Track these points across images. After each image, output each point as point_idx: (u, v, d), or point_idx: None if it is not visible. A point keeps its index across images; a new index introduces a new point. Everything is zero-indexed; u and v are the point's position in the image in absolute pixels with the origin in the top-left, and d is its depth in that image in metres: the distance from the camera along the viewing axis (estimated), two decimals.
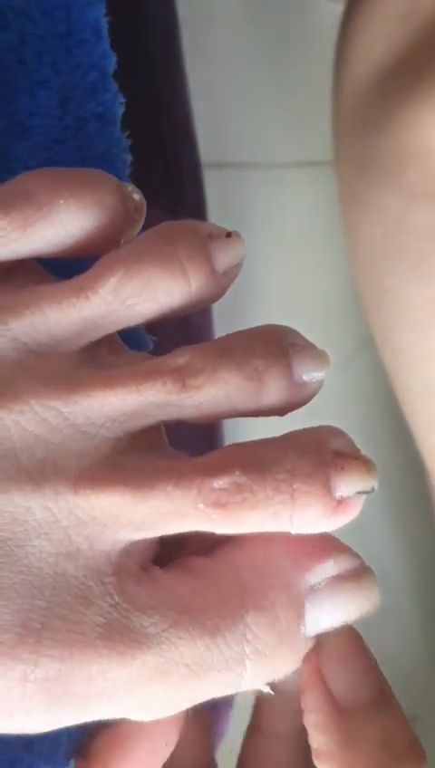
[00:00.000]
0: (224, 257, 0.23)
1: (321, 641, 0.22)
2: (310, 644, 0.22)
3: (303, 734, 0.24)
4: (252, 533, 0.22)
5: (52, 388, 0.22)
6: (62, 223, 0.23)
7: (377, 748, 0.21)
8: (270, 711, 0.26)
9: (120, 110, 0.30)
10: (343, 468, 0.22)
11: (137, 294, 0.23)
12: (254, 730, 0.26)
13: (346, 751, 0.21)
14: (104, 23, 0.30)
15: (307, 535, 0.22)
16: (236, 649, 0.21)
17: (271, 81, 0.63)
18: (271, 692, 0.22)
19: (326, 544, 0.23)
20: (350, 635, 0.22)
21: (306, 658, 0.22)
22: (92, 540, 0.21)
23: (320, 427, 0.23)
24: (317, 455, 0.22)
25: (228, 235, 0.24)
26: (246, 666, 0.21)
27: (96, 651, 0.21)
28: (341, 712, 0.22)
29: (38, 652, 0.20)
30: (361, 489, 0.22)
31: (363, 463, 0.22)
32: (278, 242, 0.63)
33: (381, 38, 0.44)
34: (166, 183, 0.35)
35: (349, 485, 0.22)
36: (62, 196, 0.23)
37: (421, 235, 0.43)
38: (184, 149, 0.42)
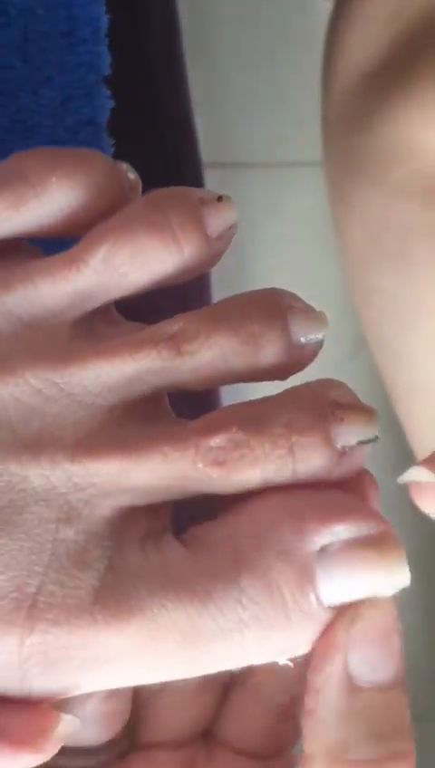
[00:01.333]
0: (216, 221, 0.23)
1: (357, 613, 0.21)
2: (329, 614, 0.21)
3: (280, 695, 0.24)
4: (255, 498, 0.22)
5: (46, 361, 0.22)
6: (55, 201, 0.23)
7: (373, 726, 0.21)
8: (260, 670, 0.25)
9: (107, 115, 0.30)
10: (342, 419, 0.21)
11: (129, 263, 0.22)
12: (237, 683, 0.25)
13: (343, 724, 0.21)
14: (104, 22, 0.30)
15: (318, 496, 0.22)
16: (231, 616, 0.20)
17: (271, 81, 0.63)
18: (289, 664, 0.21)
19: (340, 504, 0.22)
20: (387, 613, 0.21)
21: (330, 629, 0.21)
22: (93, 505, 0.21)
23: (318, 380, 0.23)
24: (315, 407, 0.22)
25: (219, 198, 0.23)
26: (244, 635, 0.20)
27: (91, 616, 0.20)
28: (352, 689, 0.21)
29: (33, 617, 0.20)
30: (362, 438, 0.22)
31: (364, 411, 0.22)
32: (278, 242, 0.63)
33: (368, 38, 0.45)
34: (166, 183, 0.35)
35: (350, 435, 0.21)
36: (54, 174, 0.23)
37: (405, 233, 0.43)
38: (184, 149, 0.42)
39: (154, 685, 0.24)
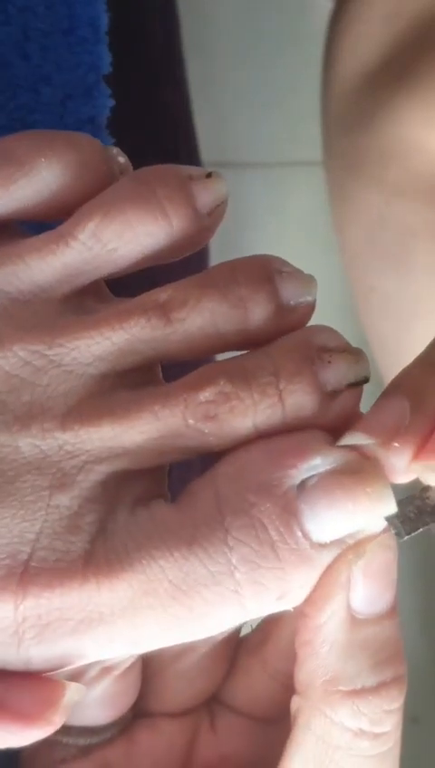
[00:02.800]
0: (205, 196, 0.23)
1: (360, 551, 0.21)
2: (325, 552, 0.21)
3: (286, 665, 0.24)
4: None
5: (35, 334, 0.22)
6: (44, 180, 0.23)
7: (368, 655, 0.21)
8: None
9: (107, 114, 0.30)
10: (329, 362, 0.21)
11: (117, 237, 0.22)
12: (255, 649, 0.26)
13: (344, 657, 0.21)
14: (104, 21, 0.30)
15: (297, 433, 0.21)
16: (219, 558, 0.20)
17: (271, 81, 0.63)
18: (290, 609, 0.21)
19: (316, 438, 0.21)
20: (389, 548, 0.21)
21: (332, 567, 0.21)
22: (87, 471, 0.21)
23: (304, 328, 0.23)
24: (301, 352, 0.22)
25: (209, 175, 0.23)
26: (236, 579, 0.20)
27: (84, 577, 0.21)
28: (353, 623, 0.21)
29: (26, 582, 0.20)
30: (352, 380, 0.22)
31: (352, 354, 0.22)
32: (278, 241, 0.63)
33: (367, 38, 0.45)
34: None
35: (338, 378, 0.21)
36: (44, 155, 0.23)
37: (403, 232, 0.43)
38: (184, 149, 0.42)
39: (164, 656, 0.24)
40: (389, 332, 0.44)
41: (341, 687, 0.21)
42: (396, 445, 0.21)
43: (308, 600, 0.21)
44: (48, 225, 0.24)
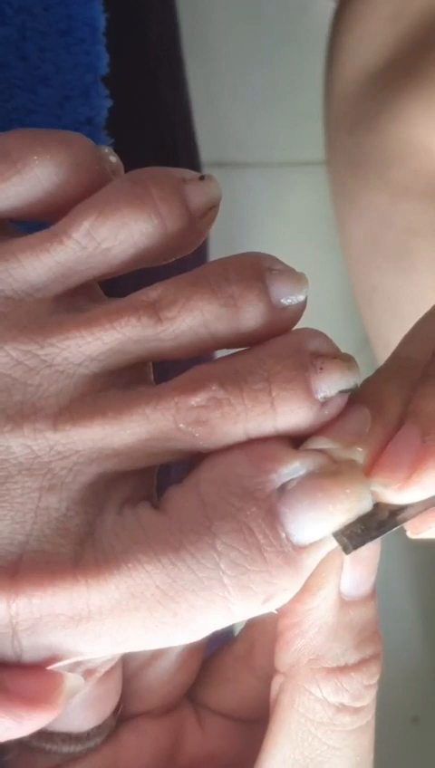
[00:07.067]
0: (198, 198, 0.23)
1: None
2: (306, 554, 0.21)
3: (271, 665, 0.24)
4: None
5: (26, 333, 0.22)
6: (37, 178, 0.23)
7: (352, 635, 0.22)
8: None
9: (105, 115, 0.30)
10: (322, 369, 0.21)
11: (112, 237, 0.23)
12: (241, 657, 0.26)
13: (331, 637, 0.22)
14: (102, 21, 0.30)
15: (270, 438, 0.21)
16: (208, 563, 0.20)
17: (271, 81, 0.63)
18: (273, 612, 0.21)
19: (289, 443, 0.22)
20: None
21: (327, 556, 0.22)
22: (77, 472, 0.21)
23: (296, 330, 0.22)
24: (294, 358, 0.22)
25: (202, 178, 0.23)
26: (225, 584, 0.20)
27: (74, 577, 0.21)
28: (341, 605, 0.22)
29: (18, 581, 0.21)
30: (343, 387, 0.21)
31: (343, 361, 0.22)
32: (278, 241, 0.63)
33: (371, 38, 0.45)
34: None
35: (330, 385, 0.21)
36: (36, 153, 0.23)
37: (407, 232, 0.43)
38: (184, 149, 0.42)
39: (142, 656, 0.25)
40: (392, 331, 0.44)
41: (325, 665, 0.22)
42: (359, 449, 0.21)
43: (303, 587, 0.22)
44: (42, 225, 0.24)
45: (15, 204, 0.23)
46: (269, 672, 0.25)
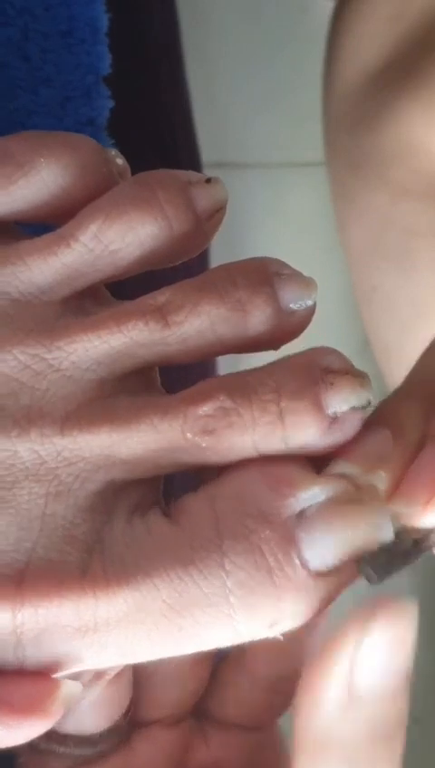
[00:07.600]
0: (205, 201, 0.23)
1: (369, 625, 0.20)
2: (321, 581, 0.20)
3: (269, 671, 0.24)
4: (234, 465, 0.21)
5: (33, 337, 0.22)
6: (43, 181, 0.23)
7: (372, 730, 0.21)
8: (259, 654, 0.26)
9: (107, 115, 0.30)
10: (332, 384, 0.21)
11: (120, 239, 0.22)
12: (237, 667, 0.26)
13: (341, 726, 0.21)
14: (104, 22, 0.30)
15: (292, 459, 0.21)
16: (215, 581, 0.20)
17: (271, 81, 0.63)
18: (279, 637, 0.21)
19: (310, 466, 0.21)
20: (405, 621, 0.21)
21: (339, 639, 0.20)
22: (83, 479, 0.21)
23: (310, 349, 0.22)
24: (305, 373, 0.21)
25: (208, 180, 0.23)
26: (231, 602, 0.20)
27: (81, 588, 0.20)
28: (352, 698, 0.21)
29: (24, 590, 0.20)
30: (355, 404, 0.21)
31: (355, 377, 0.21)
32: (278, 242, 0.63)
33: (371, 38, 0.45)
34: None
35: (341, 401, 0.21)
36: (42, 155, 0.23)
37: (407, 232, 0.43)
38: (184, 149, 0.42)
39: (151, 663, 0.24)
40: (391, 333, 0.44)
41: (336, 750, 0.21)
42: (381, 473, 0.21)
43: (307, 672, 0.21)
44: (48, 228, 0.24)
45: (22, 207, 0.23)
46: (264, 675, 0.25)
